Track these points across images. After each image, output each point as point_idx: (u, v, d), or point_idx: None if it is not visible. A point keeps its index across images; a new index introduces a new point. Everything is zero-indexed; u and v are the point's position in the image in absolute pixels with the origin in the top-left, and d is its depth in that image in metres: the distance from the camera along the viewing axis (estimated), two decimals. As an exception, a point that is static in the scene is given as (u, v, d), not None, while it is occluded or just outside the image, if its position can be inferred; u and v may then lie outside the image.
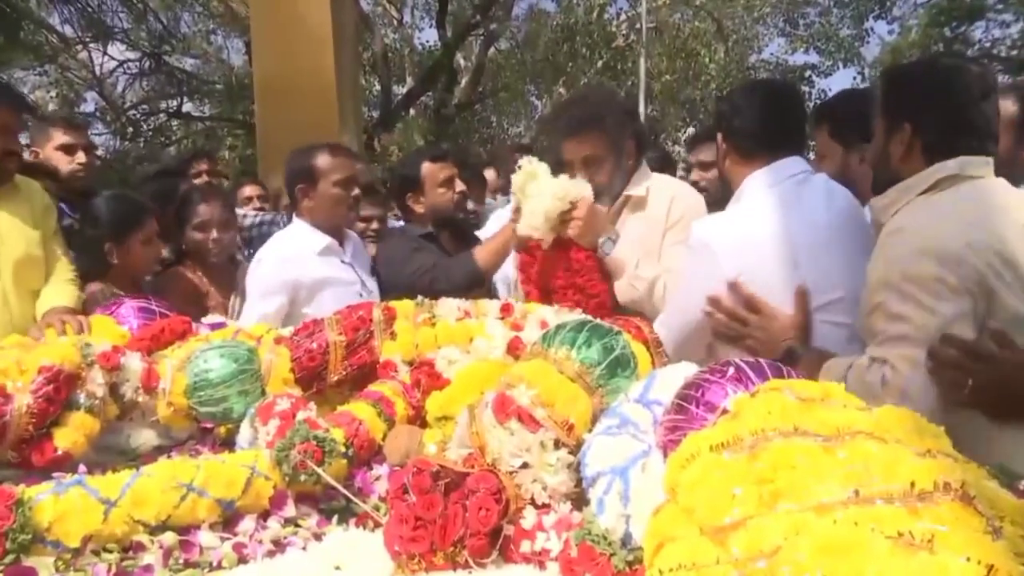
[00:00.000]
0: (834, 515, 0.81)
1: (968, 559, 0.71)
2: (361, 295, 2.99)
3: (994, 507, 0.83)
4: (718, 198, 2.63)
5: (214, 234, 3.07)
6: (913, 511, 0.79)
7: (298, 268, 2.91)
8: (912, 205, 1.74)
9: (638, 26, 16.97)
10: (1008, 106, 2.78)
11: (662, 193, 2.72)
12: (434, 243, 3.20)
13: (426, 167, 3.26)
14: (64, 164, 3.32)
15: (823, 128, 2.53)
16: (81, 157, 3.37)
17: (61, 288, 2.65)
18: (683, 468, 1.03)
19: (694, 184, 3.51)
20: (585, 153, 2.64)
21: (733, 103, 2.22)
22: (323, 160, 3.00)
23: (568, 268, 2.57)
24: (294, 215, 3.14)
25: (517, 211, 2.66)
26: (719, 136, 2.23)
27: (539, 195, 2.52)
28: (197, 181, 4.28)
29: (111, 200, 2.88)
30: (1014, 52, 15.57)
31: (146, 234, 2.82)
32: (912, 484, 0.82)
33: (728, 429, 1.05)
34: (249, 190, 4.64)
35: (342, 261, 3.07)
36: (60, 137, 3.35)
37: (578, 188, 2.53)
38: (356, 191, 3.06)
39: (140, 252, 2.81)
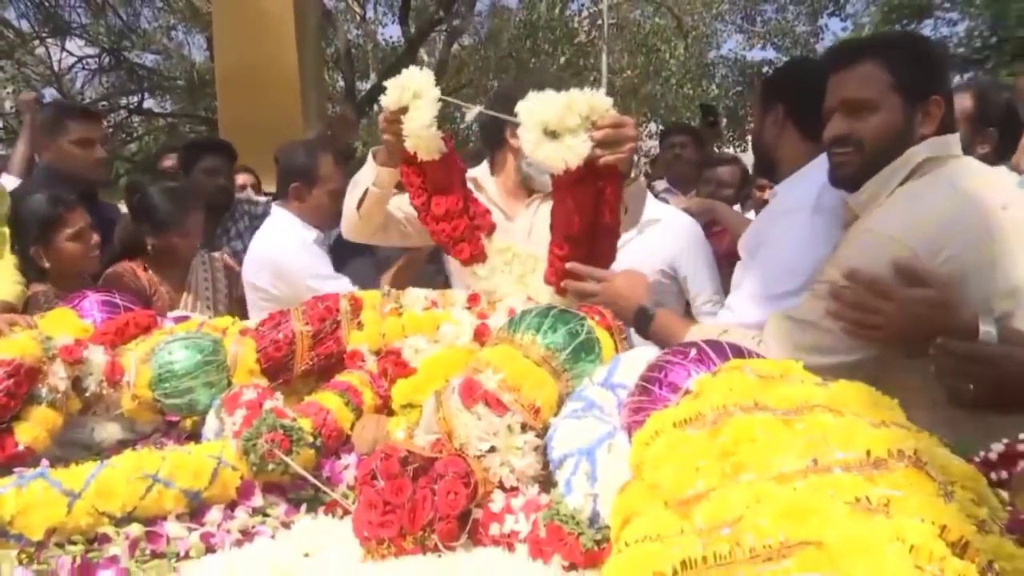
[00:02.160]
0: (794, 484, 0.83)
1: (922, 520, 0.73)
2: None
3: (945, 473, 0.86)
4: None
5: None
6: (869, 478, 0.81)
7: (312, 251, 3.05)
8: (890, 201, 1.71)
9: (600, 22, 17.11)
10: (964, 101, 2.87)
11: None
12: None
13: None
14: (82, 160, 3.18)
15: None
16: (100, 152, 3.23)
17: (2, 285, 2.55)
18: (647, 445, 1.04)
19: None
20: None
21: None
22: (326, 167, 3.09)
23: (597, 207, 1.98)
24: (275, 204, 3.16)
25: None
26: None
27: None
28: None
29: (30, 202, 2.75)
30: (960, 49, 16.00)
31: (73, 230, 2.68)
32: (868, 453, 0.85)
33: (691, 407, 1.07)
34: (242, 178, 4.39)
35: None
36: (77, 131, 3.18)
37: (596, 97, 1.89)
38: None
39: (70, 249, 2.68)
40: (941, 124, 1.74)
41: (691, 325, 1.95)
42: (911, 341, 1.56)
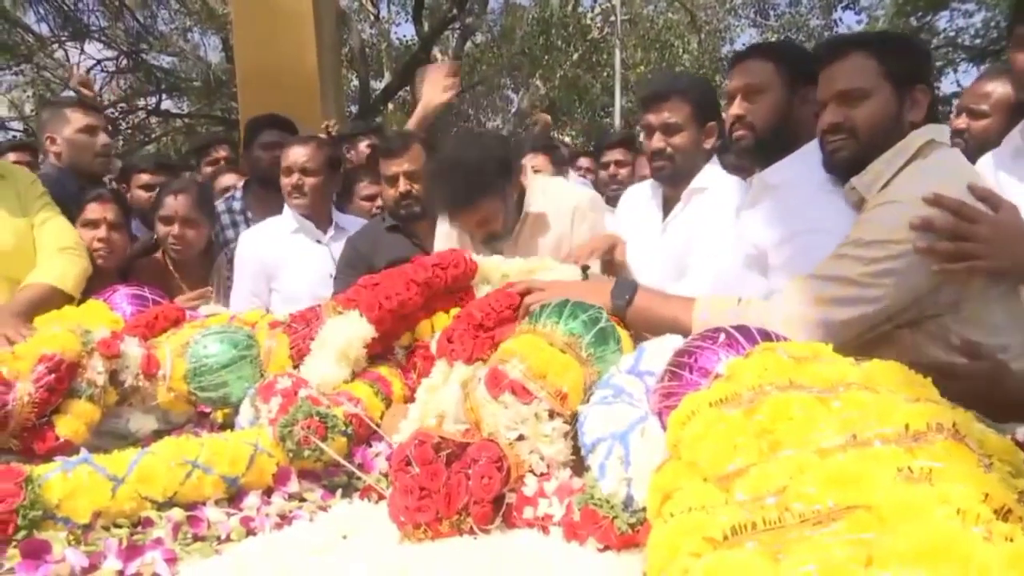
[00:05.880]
0: (835, 457, 0.84)
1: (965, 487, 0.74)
2: (332, 275, 3.07)
3: (982, 447, 0.86)
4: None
5: (175, 229, 2.94)
6: (909, 450, 0.82)
7: (260, 245, 3.15)
8: (903, 176, 1.74)
9: (613, 18, 17.09)
10: (999, 87, 2.82)
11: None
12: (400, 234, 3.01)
13: (381, 163, 3.12)
14: (88, 147, 3.21)
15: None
16: (104, 139, 3.27)
17: (48, 263, 2.51)
18: (684, 425, 1.06)
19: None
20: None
21: None
22: (283, 155, 3.23)
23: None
24: None
25: None
26: None
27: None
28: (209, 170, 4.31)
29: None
30: (977, 41, 15.92)
31: (88, 218, 2.74)
32: (906, 426, 0.86)
33: (726, 387, 1.08)
34: (227, 179, 4.28)
35: (317, 241, 3.20)
36: (80, 119, 3.21)
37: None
38: (294, 179, 3.15)
39: (83, 236, 2.72)
40: (928, 112, 1.81)
41: (690, 299, 1.83)
42: (1012, 266, 1.60)
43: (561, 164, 3.90)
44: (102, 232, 2.76)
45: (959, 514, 0.65)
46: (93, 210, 2.77)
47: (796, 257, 2.01)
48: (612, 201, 4.10)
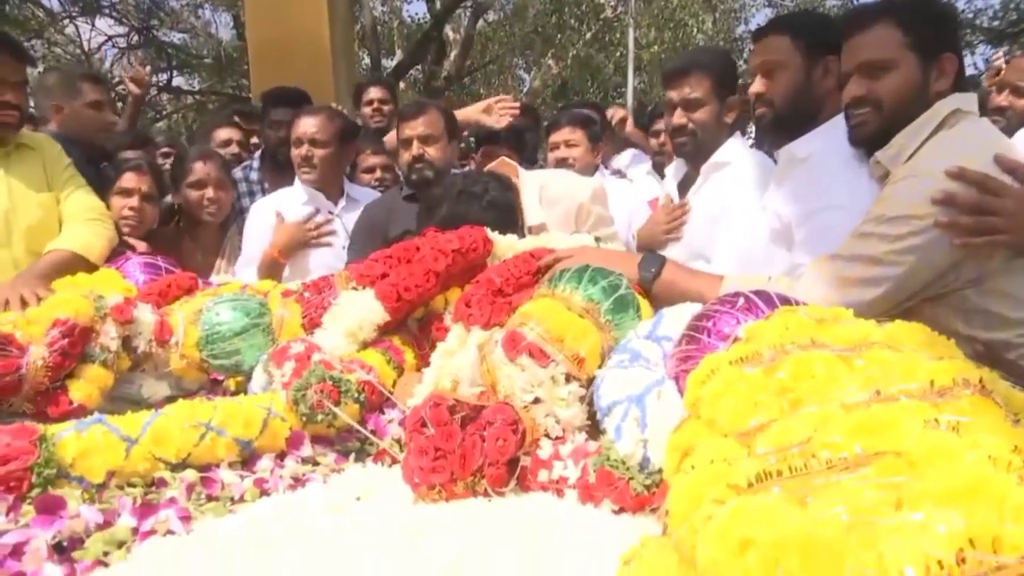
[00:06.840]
0: (860, 411, 0.82)
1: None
2: (344, 247, 3.07)
3: (1009, 404, 0.85)
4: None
5: (209, 192, 2.98)
6: (935, 405, 0.80)
7: (270, 217, 3.10)
8: (928, 148, 1.71)
9: (626, -3, 16.93)
10: None
11: None
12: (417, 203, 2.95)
13: (398, 126, 3.12)
14: (93, 122, 3.18)
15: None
16: (110, 116, 3.25)
17: (75, 230, 2.52)
18: (703, 384, 1.04)
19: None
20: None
21: None
22: (293, 126, 3.19)
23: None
24: None
25: None
26: None
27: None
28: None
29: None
30: (995, 23, 15.65)
31: (122, 186, 2.77)
32: (932, 383, 0.84)
33: (747, 347, 1.06)
34: (225, 133, 4.26)
35: (330, 212, 3.16)
36: (91, 93, 3.17)
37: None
38: (303, 150, 3.10)
39: (111, 204, 2.75)
40: (955, 81, 1.77)
41: (718, 276, 1.85)
42: None
43: (596, 140, 3.82)
44: (135, 202, 2.78)
45: (991, 460, 0.63)
46: (129, 179, 2.80)
47: (814, 235, 2.01)
48: (659, 168, 4.09)
